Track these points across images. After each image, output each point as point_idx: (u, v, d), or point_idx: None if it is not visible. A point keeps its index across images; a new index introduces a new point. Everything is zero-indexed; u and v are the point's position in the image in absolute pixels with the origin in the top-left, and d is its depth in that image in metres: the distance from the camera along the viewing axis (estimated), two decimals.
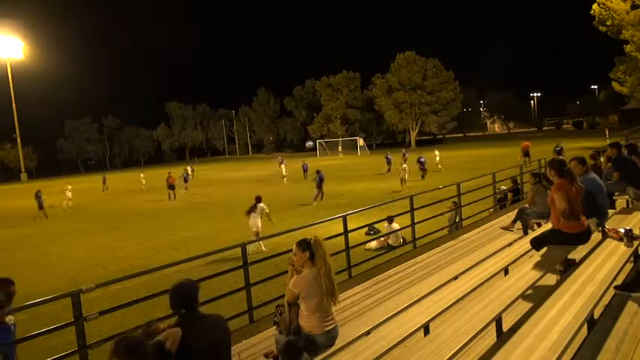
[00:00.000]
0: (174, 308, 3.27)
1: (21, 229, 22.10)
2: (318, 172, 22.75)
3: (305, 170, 35.25)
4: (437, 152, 35.07)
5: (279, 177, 35.21)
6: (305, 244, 3.97)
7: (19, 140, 69.46)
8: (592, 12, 37.00)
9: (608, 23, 36.48)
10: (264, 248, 12.61)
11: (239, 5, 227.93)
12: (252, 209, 13.43)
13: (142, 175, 39.26)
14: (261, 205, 13.44)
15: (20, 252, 16.90)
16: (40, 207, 25.15)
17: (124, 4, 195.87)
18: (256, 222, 13.31)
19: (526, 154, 29.32)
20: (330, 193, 24.58)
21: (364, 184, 28.35)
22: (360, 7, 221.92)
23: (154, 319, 4.28)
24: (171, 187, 29.20)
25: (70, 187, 29.53)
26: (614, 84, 41.74)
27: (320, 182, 22.25)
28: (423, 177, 27.43)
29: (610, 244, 5.53)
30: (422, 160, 28.34)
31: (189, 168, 40.14)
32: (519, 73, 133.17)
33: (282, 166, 35.69)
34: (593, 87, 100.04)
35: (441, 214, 10.81)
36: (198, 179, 43.13)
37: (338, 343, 3.91)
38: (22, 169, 71.13)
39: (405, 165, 24.98)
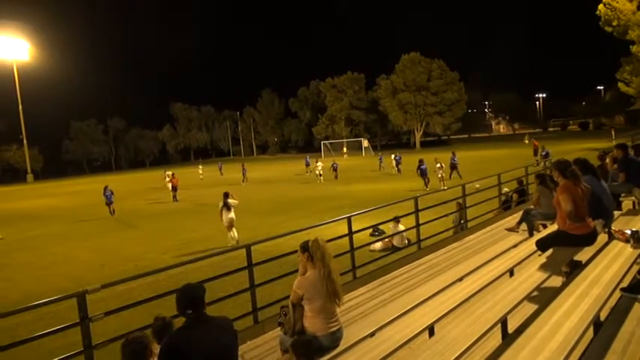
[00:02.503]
0: (180, 310, 3.29)
1: (26, 231, 22.22)
2: (420, 161, 24.60)
3: (335, 170, 34.80)
4: (392, 156, 36.20)
5: (302, 176, 35.72)
6: (304, 246, 4.01)
7: (25, 141, 69.80)
8: (598, 12, 36.89)
9: (614, 24, 36.35)
10: (235, 235, 14.50)
11: (244, 6, 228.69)
12: (225, 206, 14.57)
13: (170, 172, 39.55)
14: (230, 200, 14.65)
15: (25, 253, 16.99)
16: (108, 203, 24.43)
17: (129, 5, 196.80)
18: (232, 217, 14.57)
19: (535, 152, 30.26)
20: (334, 195, 24.59)
21: (369, 185, 28.31)
22: (365, 7, 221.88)
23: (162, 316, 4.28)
24: (174, 188, 29.41)
25: (169, 175, 31.47)
26: (620, 85, 41.61)
27: (424, 171, 24.32)
28: (453, 175, 26.41)
29: (616, 245, 5.51)
30: (454, 160, 27.30)
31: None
32: (524, 74, 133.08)
33: (319, 164, 34.56)
34: (599, 88, 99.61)
35: (446, 215, 10.77)
36: (198, 180, 43.25)
37: (342, 345, 3.91)
38: (29, 170, 71.47)
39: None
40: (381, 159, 41.30)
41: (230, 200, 14.67)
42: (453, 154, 27.58)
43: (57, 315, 7.00)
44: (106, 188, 24.79)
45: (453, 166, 26.90)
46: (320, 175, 33.65)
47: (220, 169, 50.90)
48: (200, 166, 50.73)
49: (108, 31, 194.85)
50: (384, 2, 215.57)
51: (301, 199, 24.53)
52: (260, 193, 29.44)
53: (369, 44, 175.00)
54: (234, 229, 14.66)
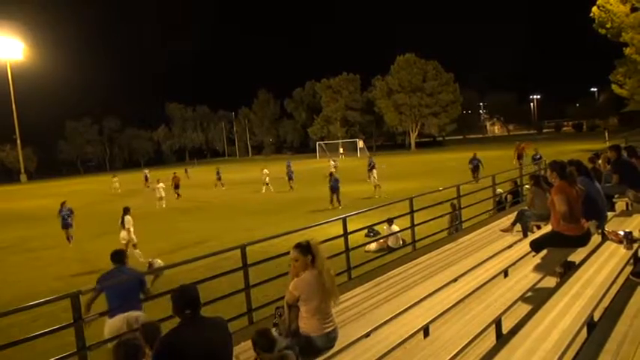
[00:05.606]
0: (177, 310, 3.32)
1: (21, 231, 22.07)
2: (330, 174, 22.04)
3: (290, 178, 30.25)
4: (332, 162, 35.39)
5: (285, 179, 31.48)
6: (306, 248, 3.96)
7: (18, 141, 69.28)
8: (592, 14, 37.04)
9: (608, 26, 36.50)
10: (140, 259, 13.05)
11: (239, 6, 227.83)
12: (121, 222, 13.78)
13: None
14: (127, 217, 13.77)
15: (20, 253, 16.89)
16: (64, 226, 17.66)
17: (124, 4, 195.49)
18: (125, 237, 13.65)
19: (519, 156, 27.99)
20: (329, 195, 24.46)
21: (364, 186, 28.26)
22: (360, 8, 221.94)
23: (150, 320, 4.30)
24: (177, 186, 30.22)
25: (162, 184, 27.48)
26: (613, 86, 41.74)
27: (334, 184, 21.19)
28: (474, 178, 23.53)
29: (610, 246, 5.55)
30: (475, 161, 25.56)
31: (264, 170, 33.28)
32: (519, 75, 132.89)
33: (265, 170, 30.23)
34: (592, 89, 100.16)
35: (441, 216, 10.80)
36: (199, 180, 43.08)
37: (337, 345, 3.91)
38: (22, 170, 70.92)
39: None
40: (334, 163, 37.22)
41: (126, 217, 13.71)
42: (474, 155, 25.55)
43: (51, 316, 6.96)
44: (62, 206, 18.07)
45: (475, 168, 24.95)
46: (267, 184, 29.58)
47: (186, 172, 47.51)
48: (146, 170, 45.75)
49: (103, 31, 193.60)
50: (379, 3, 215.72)
51: (284, 202, 24.46)
52: (240, 196, 29.20)
53: (365, 45, 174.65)
54: (136, 250, 13.53)
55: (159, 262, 6.67)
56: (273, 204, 24.01)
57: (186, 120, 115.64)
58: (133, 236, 13.77)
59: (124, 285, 5.72)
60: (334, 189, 20.95)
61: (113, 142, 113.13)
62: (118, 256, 6.26)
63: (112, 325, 5.41)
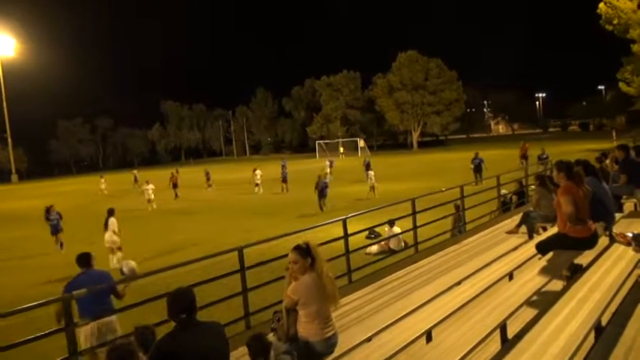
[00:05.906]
0: (173, 314, 3.28)
1: (13, 232, 21.97)
2: (319, 177, 21.57)
3: (284, 180, 29.01)
4: (327, 162, 34.97)
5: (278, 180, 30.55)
6: (306, 251, 3.88)
7: (9, 141, 68.31)
8: (598, 11, 36.89)
9: (615, 22, 36.33)
10: (117, 259, 12.96)
11: (237, 3, 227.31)
12: (105, 224, 13.52)
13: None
14: (112, 219, 13.48)
15: (13, 256, 16.78)
16: (54, 232, 16.53)
17: (118, 2, 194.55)
18: (111, 237, 13.43)
19: (523, 156, 28.23)
20: (329, 195, 24.39)
21: (363, 186, 28.11)
22: (361, 5, 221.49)
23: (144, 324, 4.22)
24: (175, 185, 30.60)
25: (151, 185, 26.44)
26: (621, 85, 41.43)
27: (323, 189, 20.74)
28: (476, 179, 22.98)
29: (617, 248, 5.47)
30: (476, 160, 24.86)
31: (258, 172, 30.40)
32: (524, 73, 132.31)
33: (257, 171, 29.56)
34: (600, 87, 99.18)
35: (444, 217, 10.66)
36: (195, 181, 42.91)
37: (337, 351, 3.85)
38: (13, 171, 69.93)
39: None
40: (331, 163, 36.61)
41: (111, 219, 13.41)
42: (477, 154, 25.05)
43: (45, 319, 6.86)
44: (49, 210, 16.65)
45: (477, 168, 24.38)
46: (257, 184, 28.95)
47: (177, 172, 39.19)
48: (135, 171, 44.29)
49: (96, 27, 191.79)
50: (380, 0, 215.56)
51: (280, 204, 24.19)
52: (234, 197, 29.02)
53: (365, 42, 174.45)
54: (119, 253, 13.38)
55: (131, 264, 6.52)
56: (268, 206, 23.88)
57: (182, 119, 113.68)
58: (117, 238, 13.55)
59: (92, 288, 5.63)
60: (321, 194, 20.58)
61: (106, 141, 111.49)
62: (84, 260, 6.10)
63: (85, 330, 5.36)
